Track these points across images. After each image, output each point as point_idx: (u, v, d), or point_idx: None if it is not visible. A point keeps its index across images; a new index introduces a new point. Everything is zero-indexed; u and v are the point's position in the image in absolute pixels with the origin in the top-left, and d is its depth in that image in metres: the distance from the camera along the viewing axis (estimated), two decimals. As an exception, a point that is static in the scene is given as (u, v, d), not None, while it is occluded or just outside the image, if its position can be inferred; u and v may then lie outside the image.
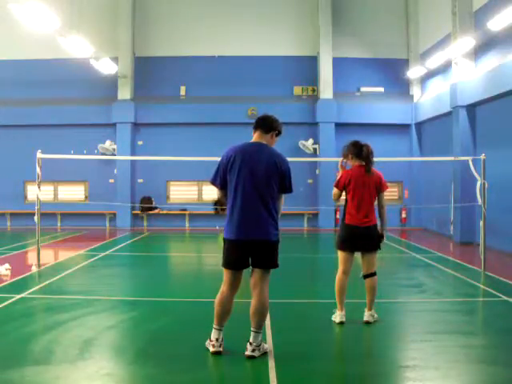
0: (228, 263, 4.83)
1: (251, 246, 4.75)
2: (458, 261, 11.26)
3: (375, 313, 6.13)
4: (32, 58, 18.49)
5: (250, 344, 4.79)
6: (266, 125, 5.02)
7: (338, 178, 6.17)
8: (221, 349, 4.83)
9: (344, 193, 6.14)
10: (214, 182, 4.93)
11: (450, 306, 7.18)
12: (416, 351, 5.20)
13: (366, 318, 6.07)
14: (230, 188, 4.81)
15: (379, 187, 6.09)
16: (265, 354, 4.86)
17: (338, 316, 6.07)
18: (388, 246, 13.57)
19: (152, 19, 19.00)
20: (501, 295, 7.60)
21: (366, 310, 6.12)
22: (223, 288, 4.87)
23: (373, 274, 6.08)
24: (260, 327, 4.82)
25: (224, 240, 4.89)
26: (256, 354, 4.77)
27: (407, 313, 6.95)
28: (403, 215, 18.76)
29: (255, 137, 5.01)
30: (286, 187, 4.90)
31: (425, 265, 10.68)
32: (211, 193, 17.57)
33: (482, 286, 8.51)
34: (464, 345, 5.41)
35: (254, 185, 4.74)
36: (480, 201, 9.45)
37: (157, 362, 4.74)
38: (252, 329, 4.80)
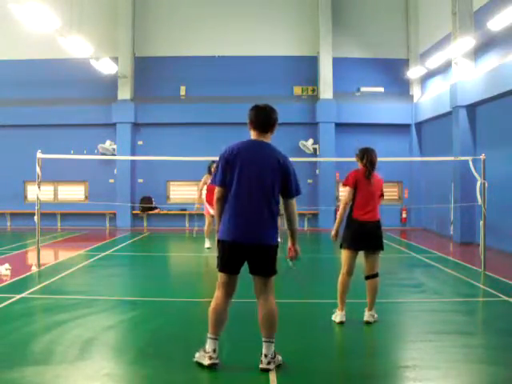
0: (224, 266, 4.55)
1: (249, 250, 4.49)
2: (458, 261, 11.26)
3: (375, 313, 6.14)
4: (32, 57, 18.48)
5: (265, 356, 4.52)
6: (266, 125, 4.66)
7: (347, 177, 6.27)
8: (217, 361, 4.54)
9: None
10: (218, 184, 4.57)
11: (450, 306, 7.18)
12: (416, 351, 5.20)
13: (366, 318, 6.09)
14: (231, 188, 4.52)
15: (380, 192, 6.31)
16: (278, 365, 4.62)
17: (338, 316, 6.09)
18: (388, 245, 13.52)
19: (152, 19, 19.00)
20: (501, 295, 7.60)
21: (366, 310, 6.14)
22: (217, 294, 4.61)
23: (375, 275, 6.12)
24: (271, 336, 4.54)
25: (218, 241, 4.60)
26: (271, 366, 4.52)
27: (407, 313, 6.96)
28: (403, 215, 18.76)
29: (254, 135, 4.69)
30: (293, 188, 4.58)
31: (425, 265, 10.68)
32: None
33: (482, 286, 8.52)
34: (464, 345, 5.41)
35: (257, 184, 4.48)
36: (480, 201, 9.44)
37: (156, 362, 4.73)
38: (263, 339, 4.56)
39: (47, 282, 8.48)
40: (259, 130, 4.66)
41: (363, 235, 6.04)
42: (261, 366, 4.54)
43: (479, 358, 5.04)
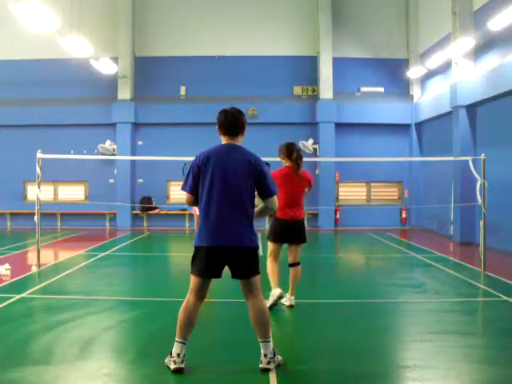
0: (198, 270, 4.50)
1: (229, 254, 4.46)
2: (458, 261, 11.27)
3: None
4: (32, 57, 18.50)
5: (265, 356, 4.53)
6: (235, 129, 4.62)
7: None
8: (183, 365, 4.48)
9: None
10: (188, 191, 4.57)
11: (450, 306, 7.18)
12: (416, 351, 5.20)
13: (290, 303, 6.73)
14: (203, 193, 4.50)
15: (308, 185, 6.79)
16: (279, 365, 4.63)
17: (279, 295, 6.57)
18: (388, 245, 13.63)
19: (152, 19, 19.00)
20: (501, 295, 7.60)
21: (288, 295, 6.77)
22: (189, 297, 4.55)
23: (298, 264, 6.80)
24: (267, 336, 4.54)
25: (196, 248, 4.55)
26: (271, 366, 4.53)
27: (407, 313, 6.96)
28: (403, 215, 18.76)
29: (225, 140, 4.66)
30: (271, 187, 4.57)
31: (425, 265, 10.68)
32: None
33: (482, 286, 8.52)
34: (464, 345, 5.41)
35: (231, 188, 4.45)
36: (480, 201, 9.44)
37: (157, 362, 4.73)
38: (259, 339, 4.58)
39: (47, 282, 8.48)
40: (229, 134, 4.62)
41: (288, 232, 6.61)
42: (261, 365, 4.55)
43: (479, 358, 5.04)
